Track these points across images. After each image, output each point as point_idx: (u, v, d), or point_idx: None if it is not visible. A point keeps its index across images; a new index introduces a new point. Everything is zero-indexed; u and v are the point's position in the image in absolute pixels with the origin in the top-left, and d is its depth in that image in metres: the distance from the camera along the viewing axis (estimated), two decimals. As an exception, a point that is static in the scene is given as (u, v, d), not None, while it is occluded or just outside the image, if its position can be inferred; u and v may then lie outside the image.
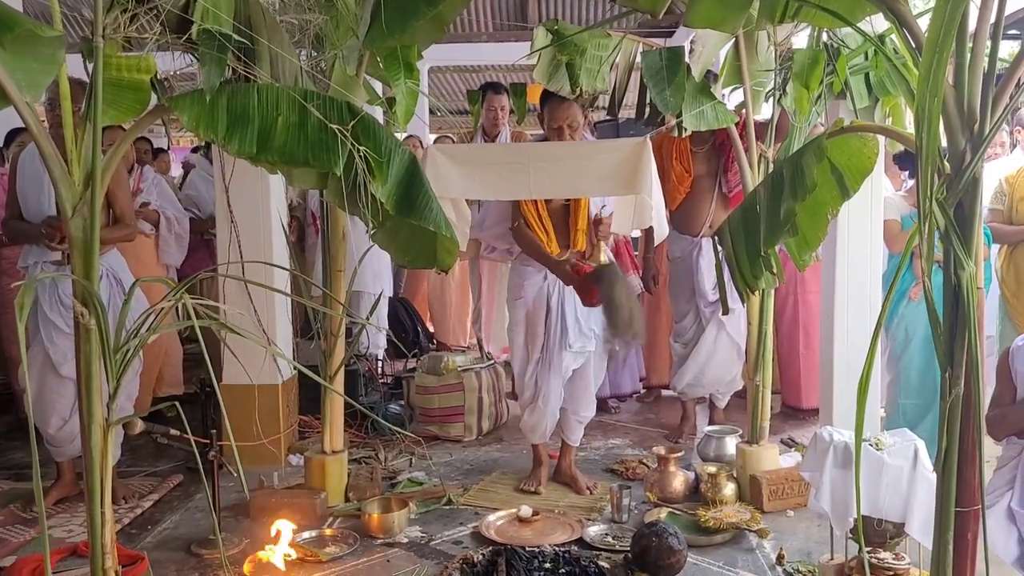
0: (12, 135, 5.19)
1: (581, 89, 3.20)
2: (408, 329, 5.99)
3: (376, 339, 5.03)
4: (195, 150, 7.83)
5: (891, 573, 2.58)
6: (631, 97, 3.63)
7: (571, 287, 3.45)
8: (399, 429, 3.62)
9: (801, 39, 3.54)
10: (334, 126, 2.02)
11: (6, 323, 4.96)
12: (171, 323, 2.16)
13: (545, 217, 3.56)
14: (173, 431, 3.17)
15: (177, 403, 2.15)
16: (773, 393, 4.06)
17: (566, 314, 3.56)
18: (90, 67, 1.97)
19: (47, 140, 1.96)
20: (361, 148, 2.07)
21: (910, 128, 2.79)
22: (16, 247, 4.40)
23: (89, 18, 1.95)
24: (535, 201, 3.54)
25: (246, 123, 2.08)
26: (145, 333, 2.12)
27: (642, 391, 5.31)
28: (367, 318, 4.02)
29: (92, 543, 2.08)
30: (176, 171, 7.98)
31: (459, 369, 4.62)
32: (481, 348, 5.02)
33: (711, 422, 4.43)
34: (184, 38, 2.10)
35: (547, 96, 3.50)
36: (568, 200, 3.55)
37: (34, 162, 3.55)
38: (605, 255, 3.53)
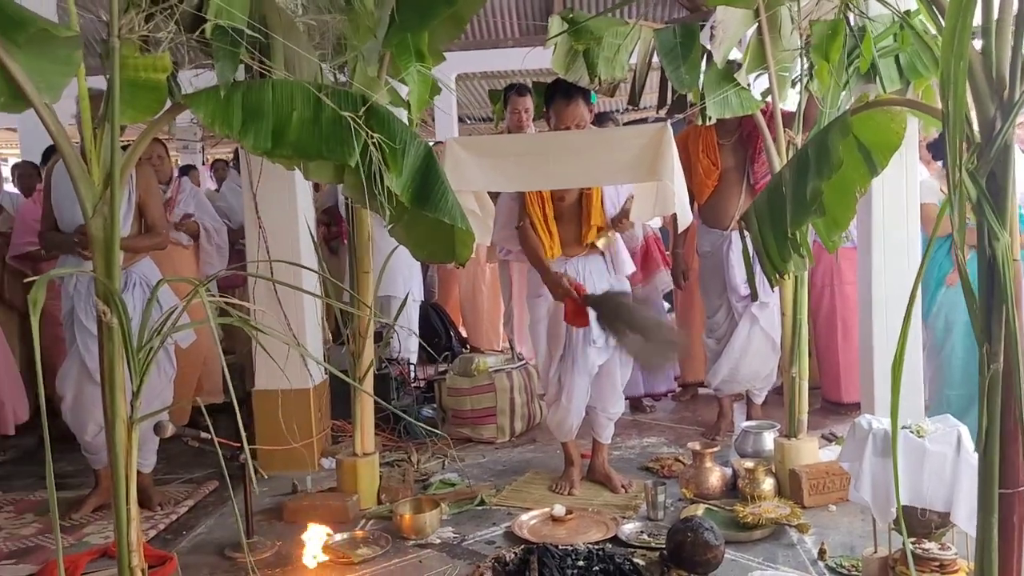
0: (49, 152, 5.30)
1: (600, 78, 3.15)
2: (441, 334, 5.97)
3: (408, 343, 5.02)
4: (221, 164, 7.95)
5: (936, 564, 2.49)
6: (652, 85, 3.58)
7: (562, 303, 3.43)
8: (431, 429, 3.58)
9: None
10: (346, 113, 2.00)
11: (44, 337, 5.05)
12: (200, 320, 2.16)
13: (551, 219, 3.52)
14: (205, 434, 3.20)
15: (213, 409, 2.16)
16: (813, 389, 3.96)
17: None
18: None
19: (66, 140, 1.98)
20: (375, 136, 2.06)
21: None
22: (53, 262, 4.48)
23: (106, 19, 1.97)
24: (542, 202, 3.50)
25: (261, 118, 2.09)
26: (169, 330, 2.13)
27: (678, 389, 5.24)
28: (394, 321, 4.01)
29: (119, 541, 2.08)
30: (205, 187, 8.10)
31: (490, 370, 4.59)
32: (513, 349, 4.99)
33: (748, 419, 4.34)
34: (198, 31, 2.11)
35: (552, 97, 3.45)
36: (581, 196, 3.51)
37: (68, 174, 3.60)
38: (603, 242, 3.49)
